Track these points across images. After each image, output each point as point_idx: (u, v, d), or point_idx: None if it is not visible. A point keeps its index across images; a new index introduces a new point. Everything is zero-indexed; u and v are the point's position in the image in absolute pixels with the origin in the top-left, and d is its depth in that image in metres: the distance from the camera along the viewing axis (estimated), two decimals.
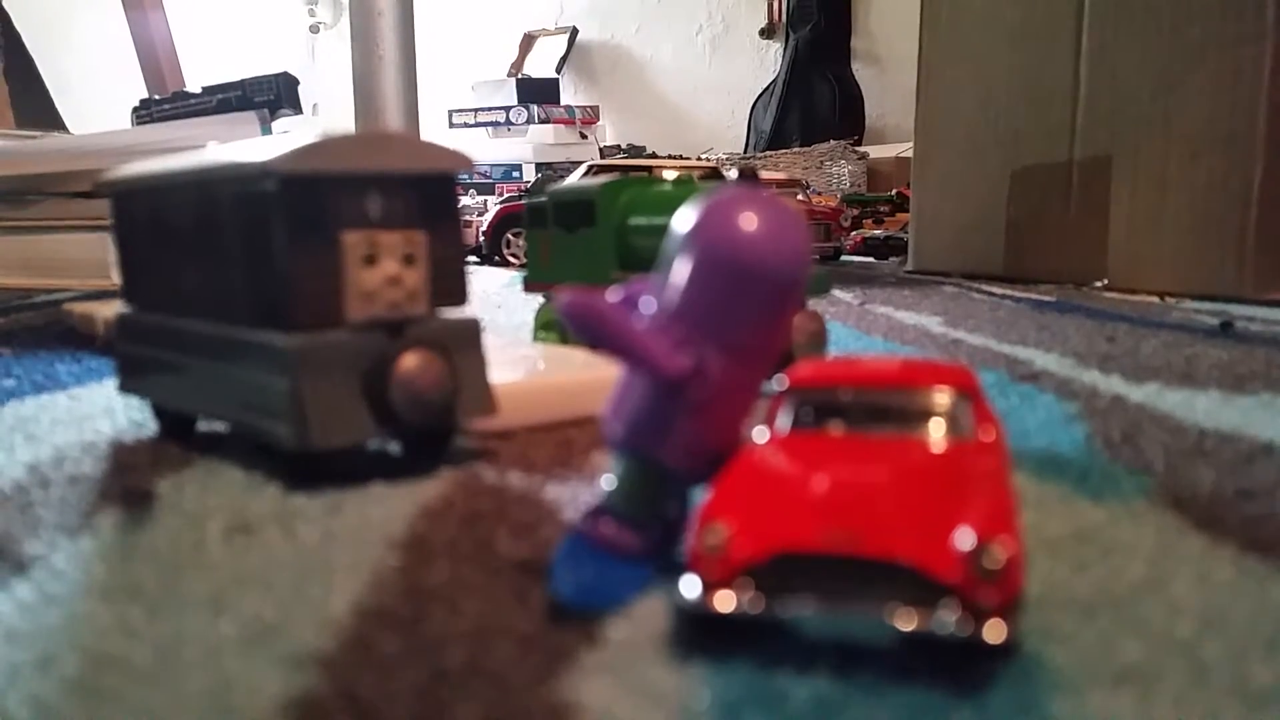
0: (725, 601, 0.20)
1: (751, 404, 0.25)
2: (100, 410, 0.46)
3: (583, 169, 1.49)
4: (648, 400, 0.24)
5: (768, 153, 2.30)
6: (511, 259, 1.65)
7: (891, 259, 1.63)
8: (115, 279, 0.43)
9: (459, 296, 0.36)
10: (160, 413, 0.42)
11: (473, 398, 0.35)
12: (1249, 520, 0.28)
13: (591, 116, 2.64)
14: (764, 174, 1.67)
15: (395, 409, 0.33)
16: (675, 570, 0.24)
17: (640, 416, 0.24)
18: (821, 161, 2.10)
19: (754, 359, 0.24)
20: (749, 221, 0.22)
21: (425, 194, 0.34)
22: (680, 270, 0.24)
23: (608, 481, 0.26)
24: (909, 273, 1.37)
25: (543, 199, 0.59)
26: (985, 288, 1.12)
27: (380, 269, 0.33)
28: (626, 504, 0.25)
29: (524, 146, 2.50)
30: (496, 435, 0.39)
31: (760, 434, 0.24)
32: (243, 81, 1.22)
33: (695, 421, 0.24)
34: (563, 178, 1.43)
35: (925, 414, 0.24)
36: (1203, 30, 0.96)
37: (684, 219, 0.24)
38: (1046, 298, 0.99)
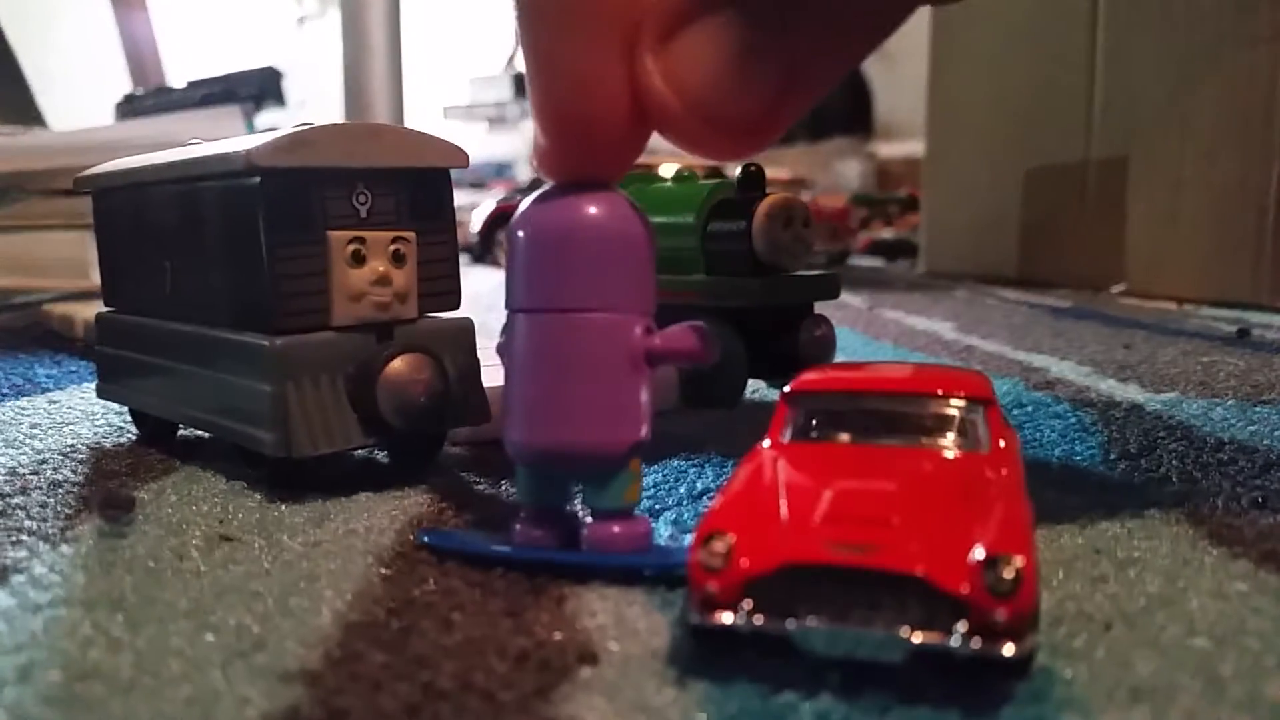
0: (727, 616, 0.19)
1: (592, 376, 0.24)
2: (80, 414, 0.45)
3: None
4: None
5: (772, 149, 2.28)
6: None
7: (901, 261, 1.62)
8: (95, 279, 0.42)
9: (451, 298, 0.35)
10: (140, 418, 0.41)
11: (464, 404, 0.34)
12: (1265, 532, 0.28)
13: None
14: (769, 172, 1.65)
15: (383, 415, 0.32)
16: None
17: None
18: (829, 159, 2.08)
19: (555, 314, 0.24)
20: (529, 202, 0.25)
21: (417, 190, 0.33)
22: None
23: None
24: (920, 276, 1.36)
25: None
26: (1000, 292, 1.11)
27: (368, 269, 0.32)
28: (521, 495, 0.26)
29: (518, 142, 2.49)
30: (488, 442, 0.38)
31: (766, 443, 0.24)
32: (227, 76, 1.20)
33: (518, 394, 0.25)
34: None
35: (937, 423, 0.23)
36: (1218, 29, 0.95)
37: None
38: (1062, 303, 0.99)
